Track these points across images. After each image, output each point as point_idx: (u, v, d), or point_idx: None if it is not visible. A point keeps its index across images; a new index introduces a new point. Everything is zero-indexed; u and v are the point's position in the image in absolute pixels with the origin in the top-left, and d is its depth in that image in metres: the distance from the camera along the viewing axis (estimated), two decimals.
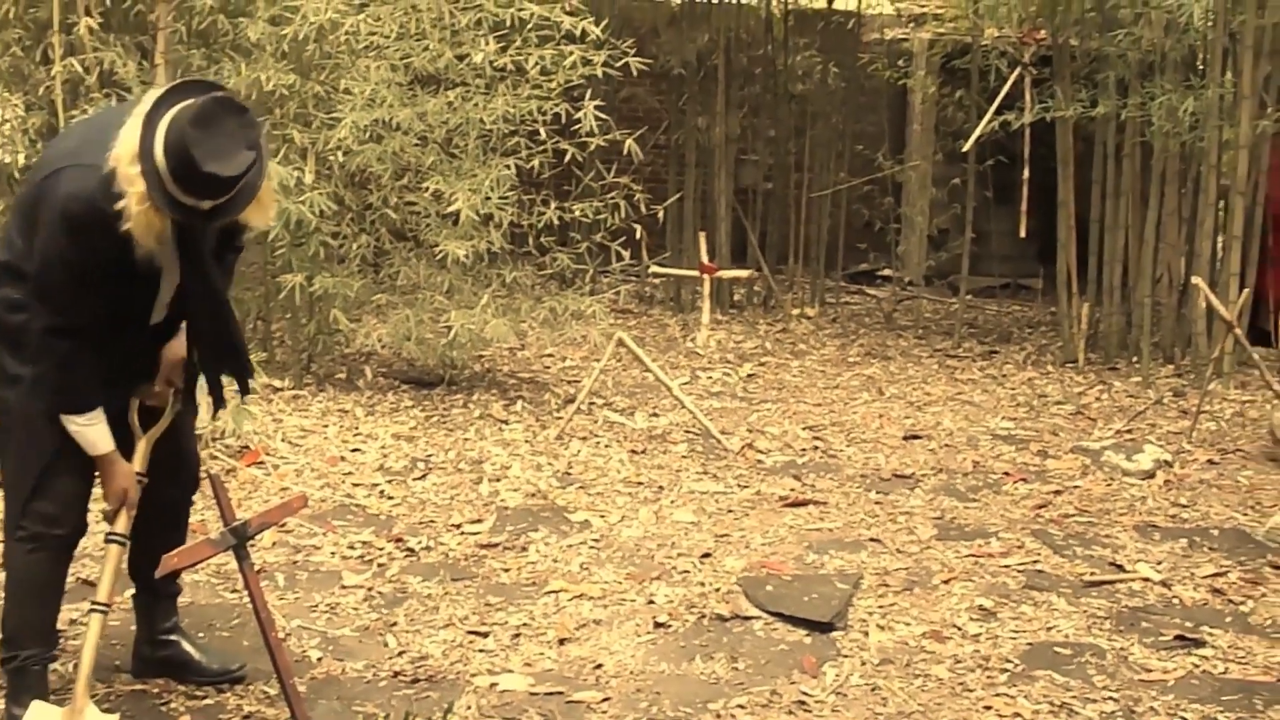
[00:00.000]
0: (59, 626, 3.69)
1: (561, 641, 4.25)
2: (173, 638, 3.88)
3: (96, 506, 3.63)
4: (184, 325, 3.67)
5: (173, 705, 3.75)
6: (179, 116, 3.23)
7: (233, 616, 4.33)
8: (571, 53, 6.82)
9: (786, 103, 10.49)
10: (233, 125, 3.25)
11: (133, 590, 3.93)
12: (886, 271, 11.18)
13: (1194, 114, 7.77)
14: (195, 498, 5.14)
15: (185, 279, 3.50)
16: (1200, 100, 7.76)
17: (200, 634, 4.10)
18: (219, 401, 3.83)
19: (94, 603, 3.51)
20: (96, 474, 3.57)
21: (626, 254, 7.57)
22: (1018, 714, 3.84)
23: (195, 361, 3.69)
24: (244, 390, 3.83)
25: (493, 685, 3.93)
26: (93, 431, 3.44)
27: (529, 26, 6.79)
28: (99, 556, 4.62)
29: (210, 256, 3.53)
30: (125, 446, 3.58)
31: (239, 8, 6.81)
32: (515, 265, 7.34)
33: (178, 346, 3.67)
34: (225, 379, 3.76)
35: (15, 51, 6.77)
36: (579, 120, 6.78)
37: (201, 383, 3.80)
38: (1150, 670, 4.16)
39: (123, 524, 3.56)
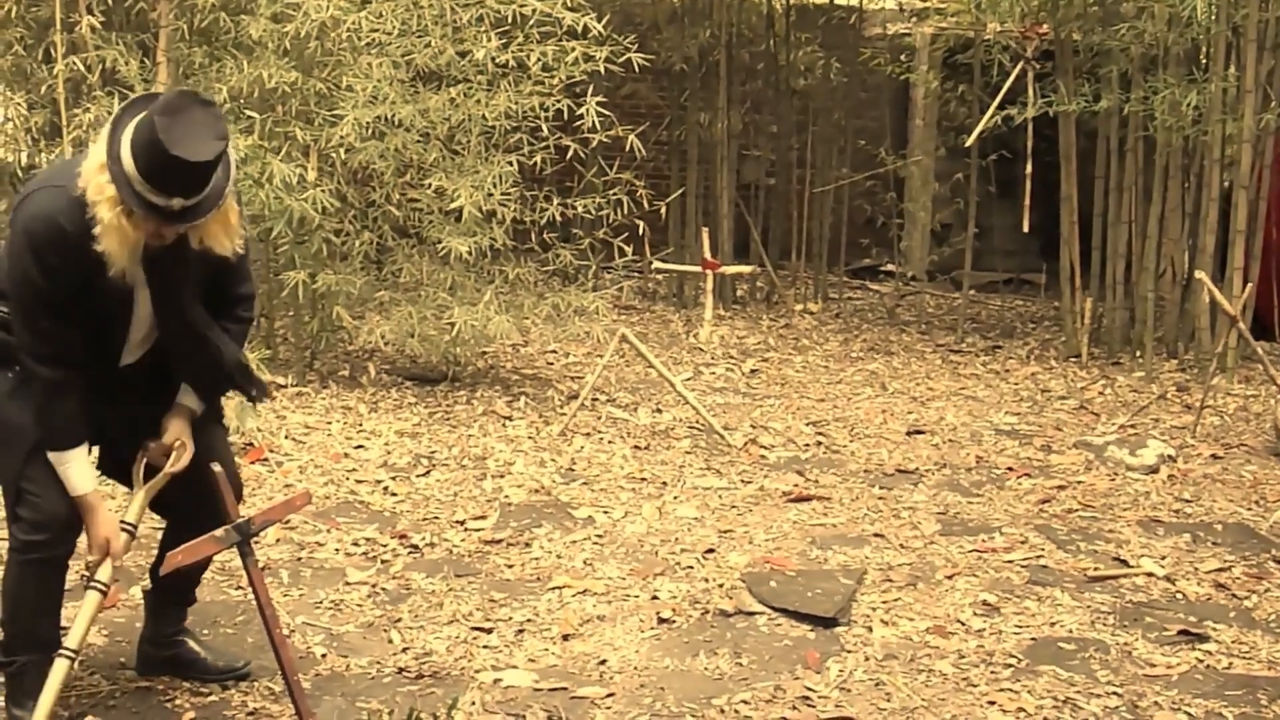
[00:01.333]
0: (65, 624, 3.69)
1: (565, 637, 4.25)
2: (179, 638, 3.89)
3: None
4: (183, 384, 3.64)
5: (178, 702, 3.75)
6: (144, 114, 3.21)
7: (237, 613, 4.34)
8: (573, 49, 6.82)
9: (788, 98, 10.48)
10: (199, 115, 3.20)
11: (145, 584, 3.93)
12: (889, 267, 11.18)
13: (1197, 108, 7.77)
14: None
15: (159, 314, 3.46)
16: (1203, 94, 7.76)
17: (205, 631, 4.11)
18: (259, 394, 3.80)
19: (63, 648, 3.39)
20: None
21: (629, 250, 7.57)
22: (1021, 709, 3.85)
23: (203, 391, 3.65)
24: (251, 400, 3.84)
25: (496, 681, 3.94)
26: (70, 470, 3.38)
27: (530, 22, 6.79)
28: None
29: (188, 294, 3.48)
30: (123, 474, 3.57)
31: (240, 5, 6.82)
32: (518, 262, 7.34)
33: (181, 413, 3.62)
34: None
35: (17, 50, 6.79)
36: (581, 116, 6.79)
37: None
38: (1154, 665, 4.16)
39: (105, 572, 3.44)
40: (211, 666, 3.89)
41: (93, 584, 3.44)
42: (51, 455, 3.36)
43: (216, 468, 3.50)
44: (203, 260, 3.43)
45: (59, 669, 3.37)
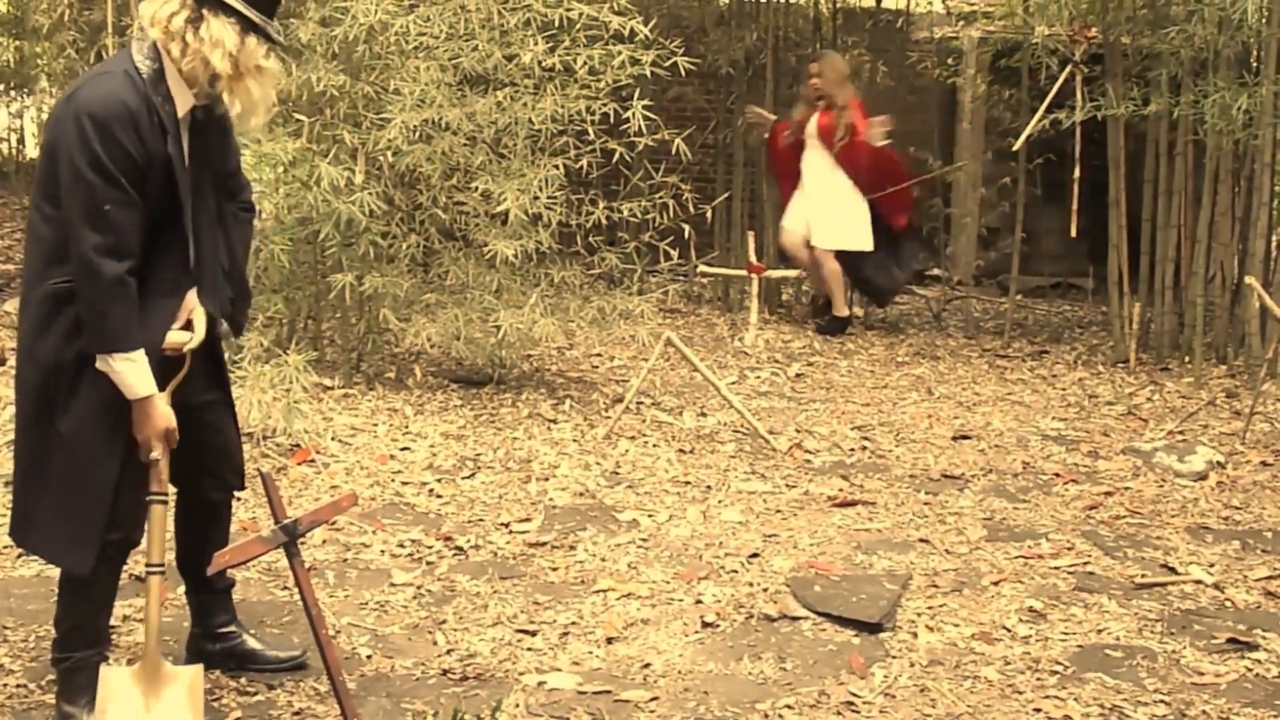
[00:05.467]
0: (111, 623, 3.73)
1: (609, 640, 4.26)
2: (231, 629, 3.93)
3: None
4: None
5: (224, 701, 3.78)
6: None
7: (283, 613, 4.36)
8: (620, 52, 6.82)
9: None
10: None
11: (184, 588, 3.97)
12: (935, 271, 11.13)
13: (1248, 112, 7.70)
14: (247, 495, 5.22)
15: (195, 192, 3.51)
16: (1254, 98, 7.69)
17: (250, 631, 4.13)
18: (237, 330, 3.78)
19: (149, 565, 3.52)
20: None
21: (675, 254, 7.56)
22: (1068, 716, 3.82)
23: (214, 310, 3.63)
24: (237, 330, 3.78)
25: (541, 684, 3.95)
26: (133, 371, 3.36)
27: (577, 26, 6.80)
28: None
29: (214, 176, 3.61)
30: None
31: (289, 9, 6.86)
32: (563, 265, 7.35)
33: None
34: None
35: (70, 53, 6.86)
36: (627, 120, 6.78)
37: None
38: (1202, 673, 4.12)
39: (161, 482, 3.51)
40: (272, 657, 3.94)
41: (153, 496, 3.50)
42: (116, 358, 3.33)
43: (265, 469, 3.53)
44: (222, 137, 3.62)
45: (154, 584, 3.50)
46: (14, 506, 3.54)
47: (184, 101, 3.44)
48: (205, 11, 3.38)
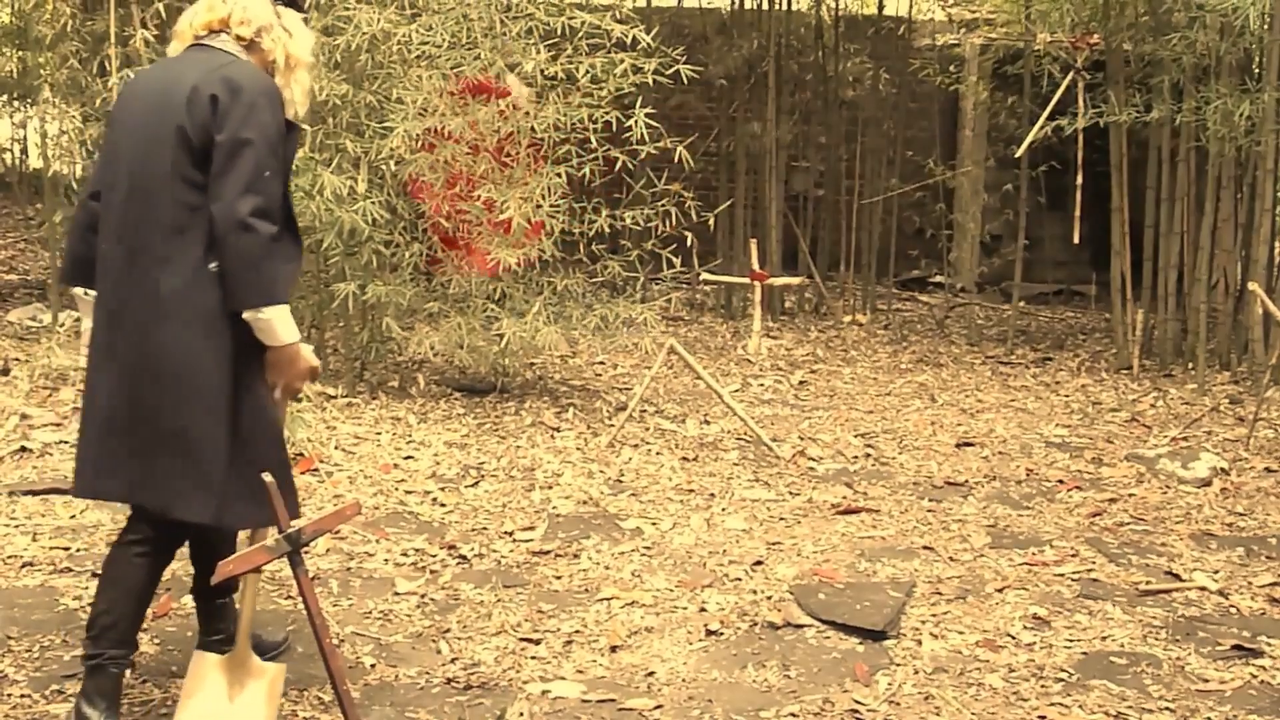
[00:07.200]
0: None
1: (613, 649, 4.25)
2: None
3: None
4: None
5: None
6: None
7: (287, 622, 4.36)
8: (622, 60, 6.83)
9: (837, 109, 10.47)
10: None
11: (190, 599, 3.98)
12: (938, 278, 11.14)
13: (1250, 118, 7.70)
14: None
15: None
16: (1256, 104, 7.69)
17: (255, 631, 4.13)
18: None
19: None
20: None
21: (677, 261, 7.57)
22: None
23: None
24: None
25: (545, 692, 3.94)
26: (286, 318, 3.51)
27: (579, 35, 6.81)
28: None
29: None
30: None
31: None
32: (566, 273, 7.35)
33: None
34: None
35: (73, 64, 6.86)
36: (629, 128, 6.79)
37: None
38: (1207, 680, 4.12)
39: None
40: (274, 641, 4.07)
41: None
42: (271, 310, 3.46)
43: (268, 478, 3.53)
44: None
45: (250, 582, 3.66)
46: (215, 489, 3.53)
47: None
48: (280, 8, 3.74)
